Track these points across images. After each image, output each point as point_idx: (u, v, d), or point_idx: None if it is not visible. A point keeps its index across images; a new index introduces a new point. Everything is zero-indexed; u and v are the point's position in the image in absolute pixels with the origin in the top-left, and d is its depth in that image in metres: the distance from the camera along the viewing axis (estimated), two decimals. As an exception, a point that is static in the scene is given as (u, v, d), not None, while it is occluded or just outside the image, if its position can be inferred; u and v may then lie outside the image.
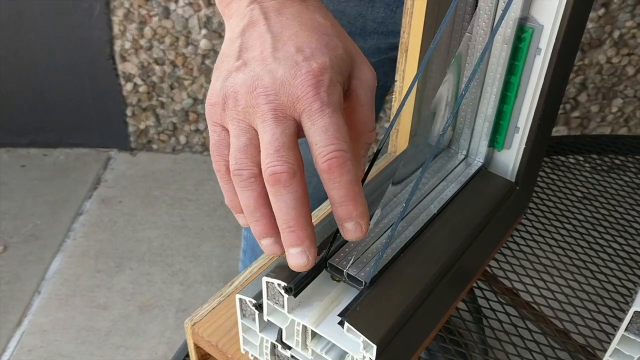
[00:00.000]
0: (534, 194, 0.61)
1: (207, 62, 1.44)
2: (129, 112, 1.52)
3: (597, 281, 0.50)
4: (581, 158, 0.66)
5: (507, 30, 0.32)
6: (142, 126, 1.54)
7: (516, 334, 0.47)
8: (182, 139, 1.57)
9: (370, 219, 0.30)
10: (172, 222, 1.35)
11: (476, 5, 0.34)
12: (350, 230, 0.28)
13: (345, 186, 0.27)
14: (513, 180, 0.37)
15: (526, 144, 0.36)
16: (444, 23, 0.34)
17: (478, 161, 0.37)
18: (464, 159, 0.37)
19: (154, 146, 1.58)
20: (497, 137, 0.36)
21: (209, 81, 1.48)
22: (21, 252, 1.26)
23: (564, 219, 0.57)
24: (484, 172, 0.36)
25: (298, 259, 0.28)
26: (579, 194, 0.61)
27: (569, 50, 0.33)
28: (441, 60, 0.38)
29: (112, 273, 1.22)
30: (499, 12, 0.33)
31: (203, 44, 1.41)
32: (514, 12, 0.32)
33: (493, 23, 0.33)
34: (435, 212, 0.32)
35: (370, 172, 0.40)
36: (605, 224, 0.58)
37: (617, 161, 0.66)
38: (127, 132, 1.55)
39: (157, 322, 1.14)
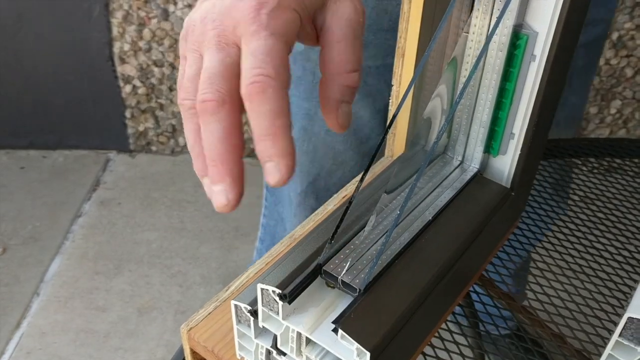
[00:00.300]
0: (531, 198, 0.61)
1: (206, 64, 1.44)
2: (128, 114, 1.52)
3: (593, 285, 0.50)
4: (578, 162, 0.66)
5: (502, 37, 0.33)
6: (141, 128, 1.54)
7: (512, 338, 0.47)
8: (181, 140, 1.57)
9: (370, 225, 0.30)
10: (171, 224, 1.36)
11: (472, 11, 0.34)
12: (269, 173, 0.25)
13: (265, 117, 0.25)
14: (508, 185, 0.37)
15: (521, 150, 0.36)
16: (439, 29, 0.34)
17: (473, 167, 0.37)
18: (459, 164, 0.37)
19: (153, 148, 1.58)
20: (493, 143, 0.36)
21: (208, 83, 1.48)
22: (20, 254, 1.26)
23: (560, 223, 0.57)
24: (479, 178, 0.37)
25: (217, 197, 0.26)
26: (576, 197, 0.61)
27: (563, 56, 0.33)
28: (437, 65, 0.38)
29: (110, 275, 1.22)
30: (494, 18, 0.33)
31: (202, 46, 1.41)
32: (509, 18, 0.32)
33: (488, 29, 0.33)
34: (430, 218, 0.33)
35: (366, 177, 0.40)
36: (602, 227, 0.58)
37: (614, 164, 0.66)
38: (126, 134, 1.55)
39: (156, 324, 1.14)
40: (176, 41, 1.41)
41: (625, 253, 0.54)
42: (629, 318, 0.32)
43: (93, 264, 1.24)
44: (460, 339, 0.44)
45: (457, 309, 0.44)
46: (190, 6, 1.36)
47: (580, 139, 0.70)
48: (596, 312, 0.47)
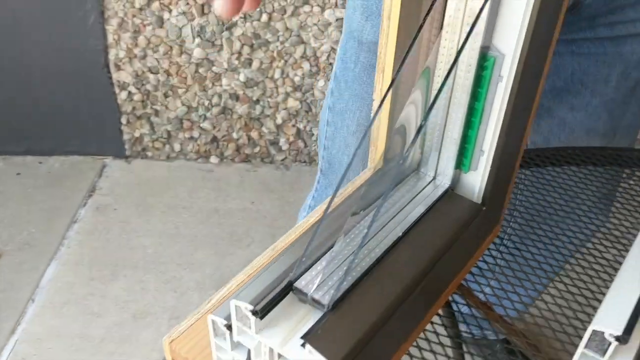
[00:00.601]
0: (512, 207, 0.62)
1: (201, 70, 1.45)
2: (123, 120, 1.53)
3: (570, 294, 0.51)
4: (560, 170, 0.67)
5: (470, 58, 0.34)
6: (136, 134, 1.56)
7: (489, 347, 0.48)
8: (177, 146, 1.58)
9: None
10: (166, 230, 1.37)
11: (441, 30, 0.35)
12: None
13: None
14: (480, 200, 0.38)
15: (491, 166, 0.37)
16: (410, 49, 0.35)
17: (445, 183, 0.38)
18: (431, 180, 0.38)
19: (149, 154, 1.59)
20: (464, 159, 0.37)
21: (202, 89, 1.50)
22: (16, 260, 1.27)
23: (541, 232, 0.59)
24: (451, 194, 0.38)
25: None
26: (556, 206, 0.62)
27: (531, 78, 0.35)
28: (411, 82, 0.39)
29: (106, 281, 1.23)
30: (462, 40, 0.34)
31: (197, 52, 1.42)
32: (476, 41, 0.33)
33: (457, 50, 0.34)
34: (401, 234, 0.34)
35: (347, 189, 0.41)
36: (582, 236, 0.59)
37: (596, 173, 0.67)
38: (122, 139, 1.56)
39: (151, 330, 1.15)
40: (171, 48, 1.42)
41: (604, 262, 0.55)
42: (594, 331, 0.33)
43: (88, 270, 1.25)
44: (438, 349, 0.45)
45: (437, 319, 0.46)
46: (184, 13, 1.37)
47: (565, 147, 0.71)
48: (571, 320, 0.48)
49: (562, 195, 0.64)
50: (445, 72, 0.35)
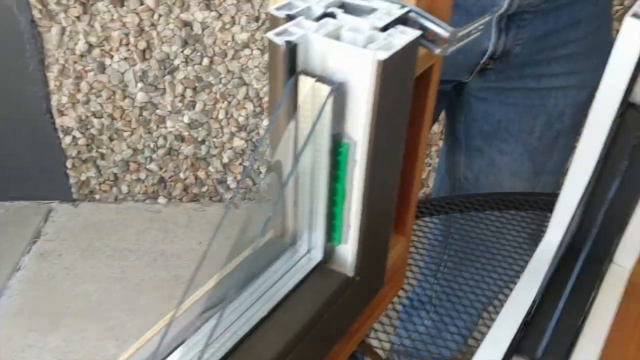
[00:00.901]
0: (421, 258, 0.64)
1: (145, 113, 1.46)
2: (69, 164, 1.53)
3: (475, 345, 0.53)
4: (468, 217, 0.70)
5: (323, 146, 0.36)
6: (83, 177, 1.55)
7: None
8: (124, 188, 1.58)
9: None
10: (112, 274, 1.36)
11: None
12: None
13: None
14: (353, 272, 0.40)
15: (359, 239, 0.39)
16: (267, 131, 0.37)
17: (318, 257, 0.40)
18: (305, 254, 0.40)
19: (97, 196, 1.58)
20: (334, 234, 0.39)
21: (147, 132, 1.50)
22: (-47, 314, 1.24)
23: (444, 282, 0.61)
24: (323, 267, 0.40)
25: None
26: (462, 254, 0.65)
27: (382, 161, 0.37)
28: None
29: (45, 332, 1.21)
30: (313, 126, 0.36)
31: (140, 96, 1.44)
32: (327, 129, 0.35)
33: (308, 134, 0.37)
34: (266, 313, 0.35)
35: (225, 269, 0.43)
36: (496, 288, 0.61)
37: (502, 219, 0.70)
38: (69, 183, 1.56)
39: (92, 380, 1.13)
40: (114, 93, 1.43)
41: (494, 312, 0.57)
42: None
43: (27, 321, 1.23)
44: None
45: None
46: (126, 59, 1.39)
47: (475, 194, 0.75)
48: None
49: (489, 237, 0.67)
50: (299, 155, 0.37)
